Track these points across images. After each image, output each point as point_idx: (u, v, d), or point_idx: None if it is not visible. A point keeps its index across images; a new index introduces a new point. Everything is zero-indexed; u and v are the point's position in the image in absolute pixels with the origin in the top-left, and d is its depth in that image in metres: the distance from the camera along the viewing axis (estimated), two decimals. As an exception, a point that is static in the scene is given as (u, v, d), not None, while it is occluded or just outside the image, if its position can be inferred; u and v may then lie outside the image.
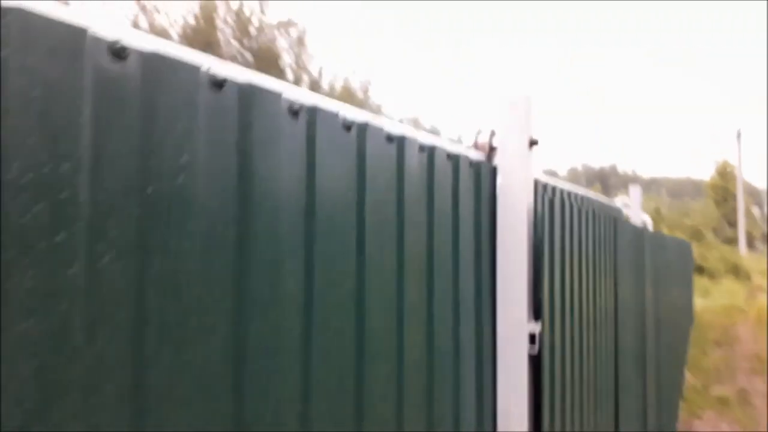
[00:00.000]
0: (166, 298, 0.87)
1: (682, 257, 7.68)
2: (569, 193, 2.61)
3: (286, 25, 29.32)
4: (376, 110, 32.69)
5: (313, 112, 1.18)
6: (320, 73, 30.18)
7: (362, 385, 1.29)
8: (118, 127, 0.82)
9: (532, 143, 1.92)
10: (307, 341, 1.14)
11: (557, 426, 2.05)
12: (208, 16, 27.32)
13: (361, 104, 31.66)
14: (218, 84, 0.98)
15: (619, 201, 5.17)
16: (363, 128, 1.31)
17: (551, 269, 2.04)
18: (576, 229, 2.35)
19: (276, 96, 1.10)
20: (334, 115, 1.24)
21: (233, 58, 28.27)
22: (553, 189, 2.30)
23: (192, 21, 27.11)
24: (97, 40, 0.79)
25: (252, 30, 28.52)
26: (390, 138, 1.37)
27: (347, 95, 31.22)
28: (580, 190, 3.27)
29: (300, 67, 29.91)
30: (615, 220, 3.28)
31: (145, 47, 0.86)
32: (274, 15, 29.08)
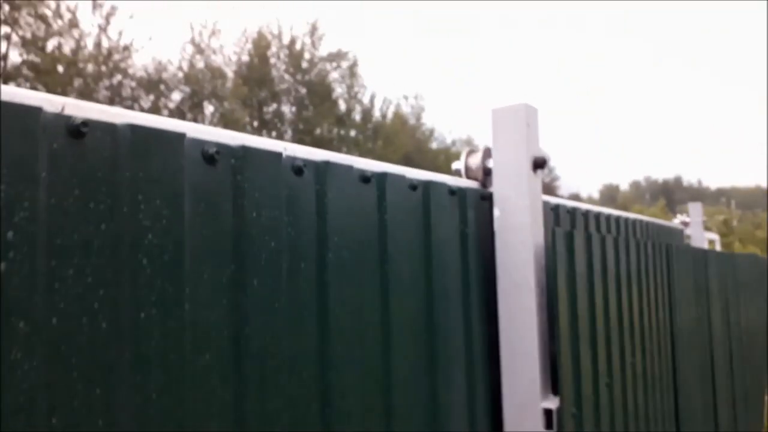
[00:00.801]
0: None
1: (757, 274, 6.90)
2: (600, 220, 2.18)
3: (337, 57, 29.66)
4: (430, 134, 32.47)
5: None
6: (372, 102, 30.29)
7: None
8: None
9: (538, 164, 1.53)
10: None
11: None
12: (261, 53, 27.99)
13: (414, 130, 31.53)
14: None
15: (678, 220, 4.61)
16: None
17: (573, 319, 1.62)
18: (610, 262, 1.92)
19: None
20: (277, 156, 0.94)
21: (287, 92, 28.82)
22: (574, 217, 1.89)
23: (246, 58, 27.83)
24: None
25: (304, 64, 29.00)
26: (297, 170, 1.02)
27: (399, 122, 31.14)
28: (620, 213, 2.81)
29: (352, 97, 30.12)
30: (668, 245, 2.80)
31: None
32: (325, 48, 29.39)
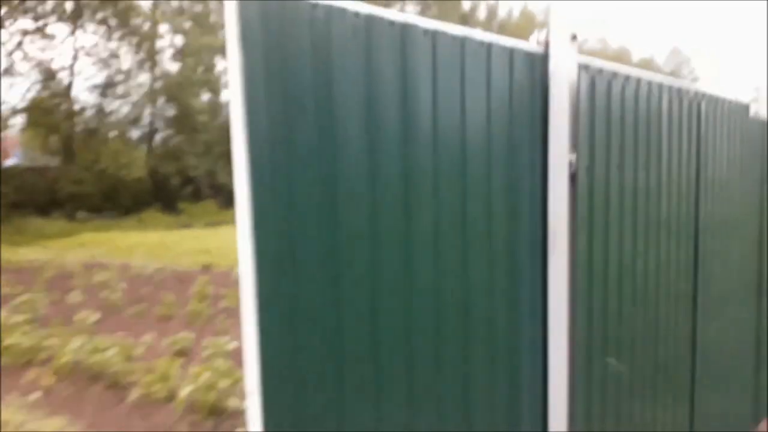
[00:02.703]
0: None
1: None
2: (624, 77, 3.36)
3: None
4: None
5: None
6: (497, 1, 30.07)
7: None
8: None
9: (573, 37, 2.88)
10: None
11: (593, 225, 3.06)
12: (389, -47, 28.42)
13: (542, 26, 31.00)
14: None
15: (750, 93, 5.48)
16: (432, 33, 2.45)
17: (590, 122, 3.01)
18: (628, 108, 3.24)
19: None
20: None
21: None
22: (600, 71, 3.15)
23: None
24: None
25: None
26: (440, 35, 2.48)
27: (526, 20, 30.88)
28: (653, 77, 3.79)
29: (477, -6, 30.09)
30: (699, 104, 3.97)
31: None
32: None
